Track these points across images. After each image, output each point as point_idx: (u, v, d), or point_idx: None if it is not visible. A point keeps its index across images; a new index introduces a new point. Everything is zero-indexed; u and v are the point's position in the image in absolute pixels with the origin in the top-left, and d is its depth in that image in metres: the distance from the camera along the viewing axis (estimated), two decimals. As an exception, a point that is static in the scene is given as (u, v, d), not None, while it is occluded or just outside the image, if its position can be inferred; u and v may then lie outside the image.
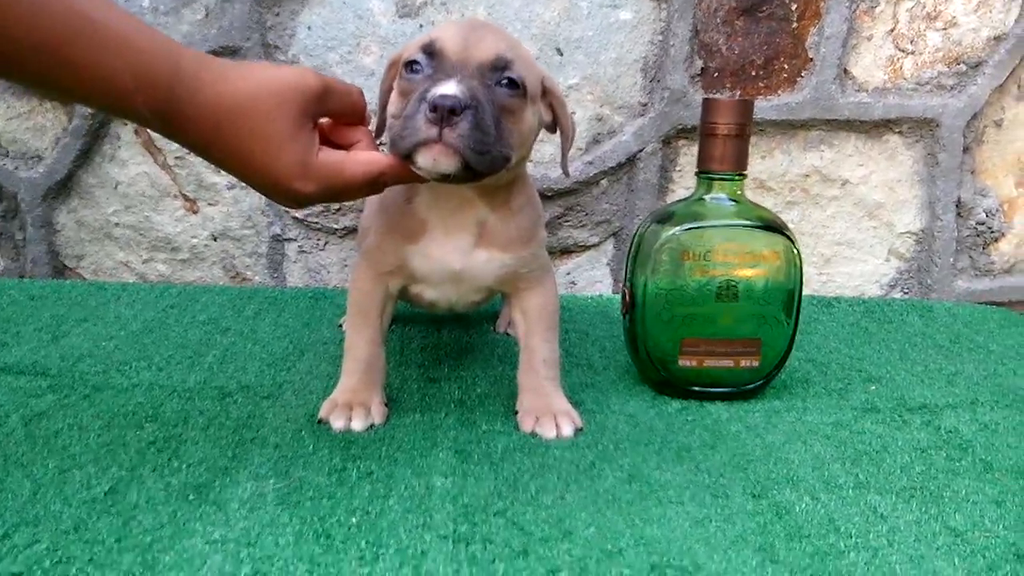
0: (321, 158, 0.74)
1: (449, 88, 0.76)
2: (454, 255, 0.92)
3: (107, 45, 0.63)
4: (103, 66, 0.63)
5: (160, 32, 0.68)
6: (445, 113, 0.75)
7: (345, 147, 0.79)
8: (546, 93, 0.90)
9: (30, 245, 1.52)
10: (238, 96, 0.70)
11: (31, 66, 0.62)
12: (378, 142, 0.84)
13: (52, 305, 1.33)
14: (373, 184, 0.78)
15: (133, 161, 1.48)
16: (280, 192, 0.74)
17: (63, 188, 1.50)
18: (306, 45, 1.44)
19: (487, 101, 0.79)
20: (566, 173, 0.95)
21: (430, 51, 0.82)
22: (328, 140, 0.79)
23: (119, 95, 0.65)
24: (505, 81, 0.81)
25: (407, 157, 0.78)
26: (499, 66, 0.81)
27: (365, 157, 0.77)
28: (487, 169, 0.80)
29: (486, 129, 0.77)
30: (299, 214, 1.50)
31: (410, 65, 0.83)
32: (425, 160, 0.77)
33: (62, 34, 0.61)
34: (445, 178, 0.79)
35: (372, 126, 0.85)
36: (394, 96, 0.87)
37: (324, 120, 0.78)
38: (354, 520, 0.72)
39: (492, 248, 0.92)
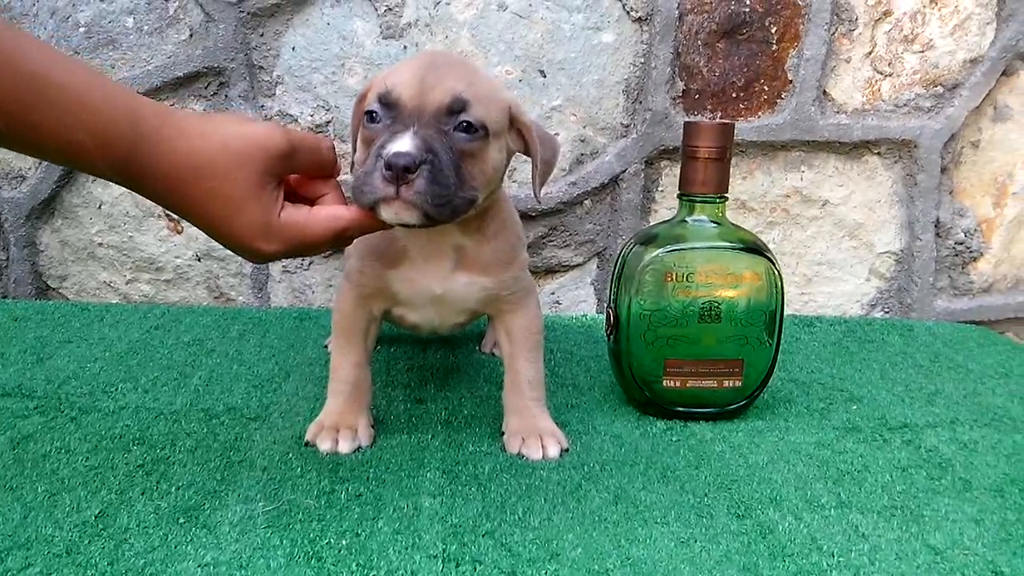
0: (283, 217, 0.73)
1: (403, 145, 0.76)
2: (434, 280, 0.92)
3: (66, 108, 0.63)
4: (62, 127, 0.64)
5: (123, 89, 0.68)
6: (400, 171, 0.75)
7: (313, 200, 0.79)
8: (514, 122, 0.89)
9: (13, 265, 1.51)
10: (198, 155, 0.69)
11: None
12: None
13: (36, 326, 1.33)
14: (337, 238, 0.78)
15: (118, 181, 1.48)
16: (242, 250, 0.74)
17: (46, 208, 1.50)
18: (290, 66, 1.44)
19: (444, 150, 0.79)
20: (537, 199, 0.93)
21: (386, 101, 0.82)
22: (296, 192, 0.78)
23: (78, 155, 0.65)
24: (464, 125, 0.81)
25: (371, 209, 0.78)
26: (456, 109, 0.81)
27: (328, 213, 0.77)
28: (449, 217, 0.80)
29: (443, 181, 0.77)
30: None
31: (369, 114, 0.83)
32: (387, 214, 0.77)
33: (23, 98, 0.62)
34: (411, 226, 0.79)
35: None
36: (359, 142, 0.87)
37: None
38: (344, 542, 0.73)
39: (471, 272, 0.93)
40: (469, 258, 0.92)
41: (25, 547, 0.70)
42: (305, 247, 0.76)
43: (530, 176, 1.46)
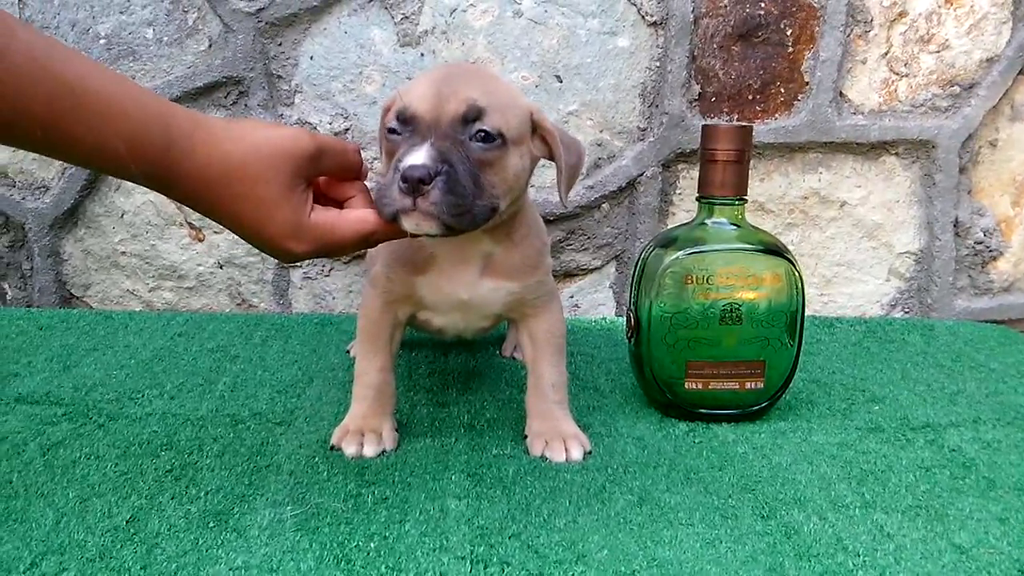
0: (313, 218, 0.75)
1: (417, 158, 0.77)
2: (461, 286, 0.93)
3: (99, 115, 0.64)
4: (96, 135, 0.65)
5: (154, 95, 0.69)
6: (416, 183, 0.76)
7: (341, 202, 0.80)
8: (537, 128, 0.89)
9: (37, 275, 1.53)
10: (229, 159, 0.70)
11: (28, 136, 0.63)
12: None
13: (61, 335, 1.34)
14: (365, 241, 0.79)
15: (139, 190, 1.50)
16: (273, 250, 0.75)
17: (70, 218, 1.52)
18: (309, 74, 1.46)
19: (461, 160, 0.79)
20: (563, 204, 0.92)
21: (403, 117, 0.83)
22: (324, 194, 0.80)
23: (112, 161, 0.66)
24: (481, 134, 0.81)
25: (393, 220, 0.79)
26: (471, 118, 0.81)
27: (357, 216, 0.78)
28: (470, 226, 0.80)
29: (460, 192, 0.78)
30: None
31: (391, 130, 0.84)
32: (408, 224, 0.78)
33: (59, 106, 0.63)
34: (434, 236, 0.80)
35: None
36: (384, 156, 0.88)
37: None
38: (372, 545, 0.73)
39: (498, 278, 0.93)
40: (497, 264, 0.93)
41: (59, 552, 0.71)
42: (334, 248, 0.77)
43: (548, 181, 1.48)
